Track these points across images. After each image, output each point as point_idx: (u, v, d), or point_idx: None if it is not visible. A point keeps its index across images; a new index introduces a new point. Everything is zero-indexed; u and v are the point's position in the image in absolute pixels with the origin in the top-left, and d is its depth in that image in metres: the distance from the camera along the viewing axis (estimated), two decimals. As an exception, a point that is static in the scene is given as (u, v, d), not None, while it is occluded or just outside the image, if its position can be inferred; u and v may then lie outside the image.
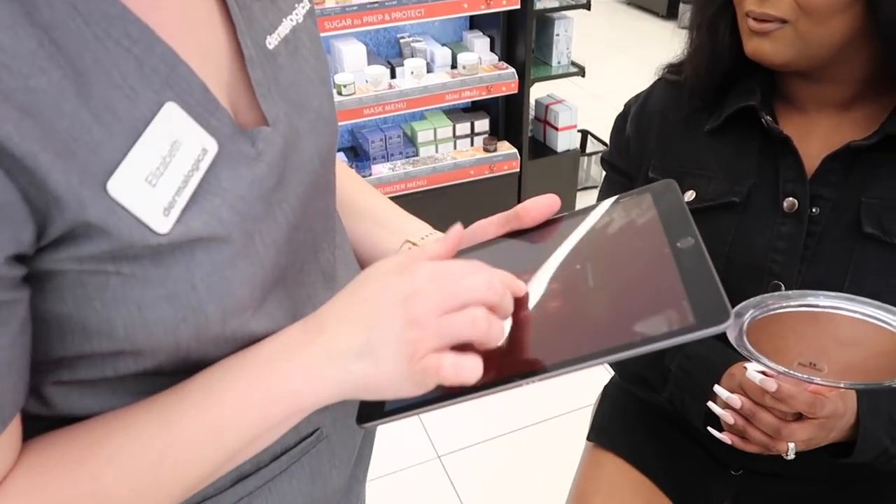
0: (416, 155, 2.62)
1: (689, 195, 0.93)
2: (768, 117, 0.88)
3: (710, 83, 0.93)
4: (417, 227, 0.71)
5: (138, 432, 0.47)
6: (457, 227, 0.50)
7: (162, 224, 0.42)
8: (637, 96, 1.05)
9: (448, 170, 2.59)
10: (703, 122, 0.95)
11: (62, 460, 0.46)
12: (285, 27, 0.55)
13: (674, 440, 1.06)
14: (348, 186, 0.74)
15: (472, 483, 1.95)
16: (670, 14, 5.19)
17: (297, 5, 0.57)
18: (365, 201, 0.75)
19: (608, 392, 1.20)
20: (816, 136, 0.89)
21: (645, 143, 1.00)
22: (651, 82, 1.04)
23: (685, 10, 4.96)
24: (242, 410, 0.47)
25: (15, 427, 0.44)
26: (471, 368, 0.42)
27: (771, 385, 0.77)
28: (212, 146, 0.46)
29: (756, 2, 0.82)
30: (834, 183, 0.86)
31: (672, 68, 1.01)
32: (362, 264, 0.72)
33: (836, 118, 0.89)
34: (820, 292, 0.69)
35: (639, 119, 1.01)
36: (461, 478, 1.97)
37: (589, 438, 1.15)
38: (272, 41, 0.53)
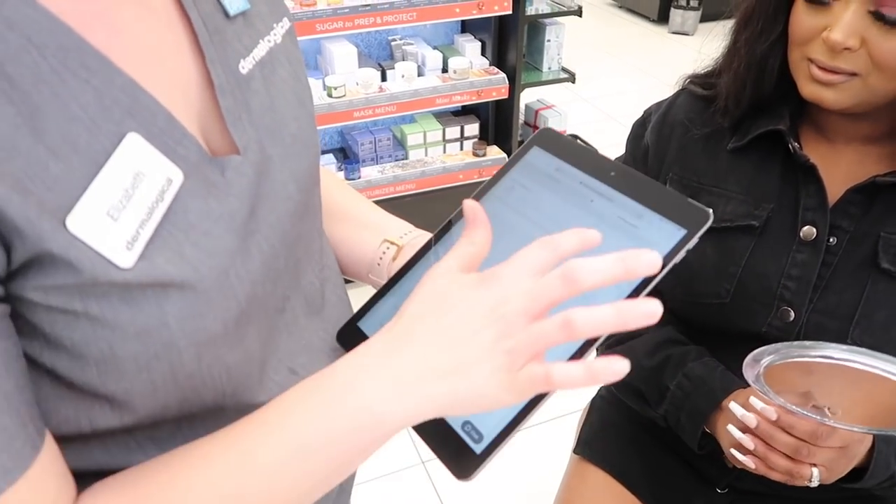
0: (406, 158, 2.61)
1: None
2: (796, 144, 0.87)
3: (747, 110, 0.91)
4: (397, 226, 0.70)
5: (211, 467, 0.45)
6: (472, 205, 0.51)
7: (125, 258, 0.41)
8: (659, 104, 1.03)
9: (437, 173, 2.58)
10: (726, 139, 0.94)
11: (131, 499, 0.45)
12: (262, 49, 0.54)
13: (660, 456, 1.07)
14: (328, 188, 0.73)
15: (456, 488, 1.95)
16: (661, 18, 5.19)
17: (275, 25, 0.57)
18: (345, 202, 0.74)
19: (595, 405, 1.21)
20: (840, 167, 0.89)
21: (664, 153, 0.99)
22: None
23: (676, 15, 4.98)
24: (328, 438, 0.45)
25: (51, 453, 0.43)
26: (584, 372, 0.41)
27: (771, 413, 0.78)
28: (177, 176, 0.45)
29: (826, 53, 0.79)
30: (854, 215, 0.86)
31: (698, 80, 0.99)
32: (342, 267, 0.71)
33: (861, 150, 0.88)
34: (835, 345, 0.70)
35: (660, 128, 1.00)
36: (445, 483, 1.97)
37: (575, 451, 1.15)
38: (246, 65, 0.52)
